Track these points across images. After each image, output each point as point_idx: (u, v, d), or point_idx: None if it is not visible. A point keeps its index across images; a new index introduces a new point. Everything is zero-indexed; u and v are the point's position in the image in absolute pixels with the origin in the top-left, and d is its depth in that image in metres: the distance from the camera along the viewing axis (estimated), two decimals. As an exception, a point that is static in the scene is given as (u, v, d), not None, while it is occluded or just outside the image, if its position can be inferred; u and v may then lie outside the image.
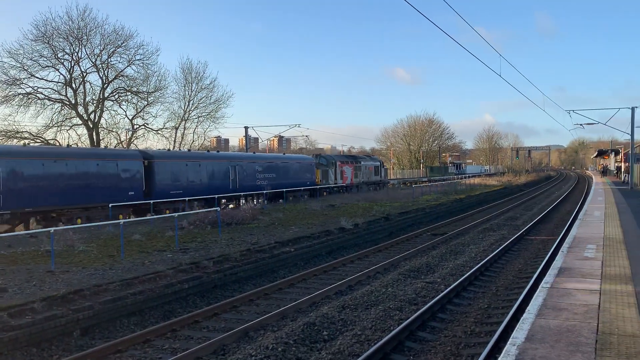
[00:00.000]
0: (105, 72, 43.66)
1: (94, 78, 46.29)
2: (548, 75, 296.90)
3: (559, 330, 6.91)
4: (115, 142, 45.62)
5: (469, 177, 77.14)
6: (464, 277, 14.22)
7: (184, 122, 51.57)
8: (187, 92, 51.62)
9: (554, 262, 11.91)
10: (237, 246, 17.61)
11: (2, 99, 39.05)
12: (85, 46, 41.97)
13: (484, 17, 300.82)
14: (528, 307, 8.14)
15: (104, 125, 45.12)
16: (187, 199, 28.78)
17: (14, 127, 39.32)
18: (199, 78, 52.15)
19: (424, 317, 10.88)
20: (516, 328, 7.13)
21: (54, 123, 41.66)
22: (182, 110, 51.42)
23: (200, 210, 22.79)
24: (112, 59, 43.84)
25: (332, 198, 39.03)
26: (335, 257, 19.04)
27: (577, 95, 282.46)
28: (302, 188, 40.30)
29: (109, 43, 43.13)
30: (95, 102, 43.86)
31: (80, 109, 42.71)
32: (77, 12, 42.12)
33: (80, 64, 42.29)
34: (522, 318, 7.58)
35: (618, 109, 52.94)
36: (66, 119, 42.68)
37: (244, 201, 33.51)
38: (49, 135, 41.49)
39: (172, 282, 13.06)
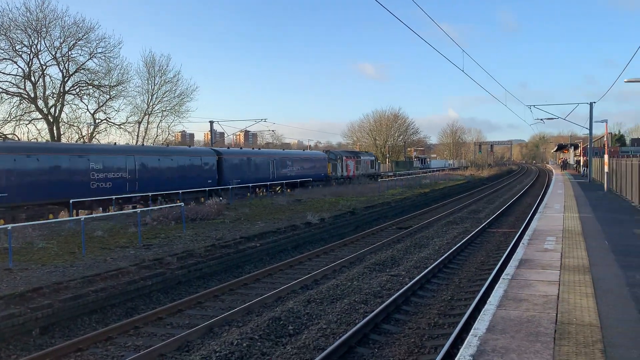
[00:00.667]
0: (66, 65, 42.56)
1: (54, 71, 45.35)
2: (511, 71, 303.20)
3: (520, 321, 7.05)
4: (77, 136, 44.59)
5: (433, 171, 78.10)
6: (427, 269, 14.40)
7: (147, 116, 50.72)
8: (150, 86, 50.74)
9: (515, 254, 12.16)
10: (202, 242, 17.44)
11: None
12: (44, 38, 40.78)
13: (449, 13, 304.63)
14: (489, 299, 8.29)
15: (65, 120, 44.06)
16: (250, 185, 36.97)
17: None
18: (163, 71, 51.36)
19: (388, 309, 10.98)
20: (478, 319, 7.25)
21: (12, 117, 40.43)
22: (145, 104, 50.56)
23: (164, 206, 22.47)
24: (72, 52, 42.74)
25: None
26: (301, 251, 19.04)
27: (538, 91, 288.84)
28: (318, 179, 48.58)
29: (69, 35, 42.04)
30: (55, 96, 42.65)
31: (40, 102, 41.54)
32: (36, 3, 41.01)
33: (40, 56, 41.10)
34: (483, 309, 7.72)
35: (577, 105, 54.19)
36: (25, 113, 41.40)
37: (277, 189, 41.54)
38: (7, 129, 40.34)
39: (134, 279, 12.85)
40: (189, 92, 53.28)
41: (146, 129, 50.86)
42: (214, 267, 15.38)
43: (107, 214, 20.65)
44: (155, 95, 51.10)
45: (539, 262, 10.96)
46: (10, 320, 9.81)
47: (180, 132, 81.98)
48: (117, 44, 48.14)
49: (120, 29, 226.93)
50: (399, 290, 12.40)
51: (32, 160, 22.79)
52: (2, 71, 39.74)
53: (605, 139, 43.55)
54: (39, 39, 40.53)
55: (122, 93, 47.13)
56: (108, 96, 45.83)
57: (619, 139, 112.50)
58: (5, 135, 39.44)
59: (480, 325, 6.89)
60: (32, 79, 41.10)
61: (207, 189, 32.78)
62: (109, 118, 47.12)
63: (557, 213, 20.45)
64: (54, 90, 42.80)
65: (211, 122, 52.64)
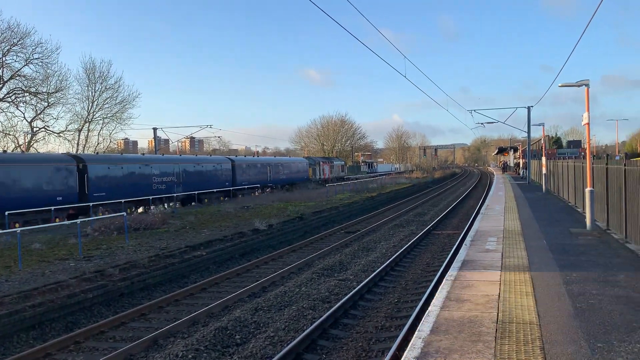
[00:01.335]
0: (0, 71, 40.90)
1: (-13, 78, 43.09)
2: (453, 77, 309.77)
3: (462, 321, 7.19)
4: (13, 145, 42.82)
5: (380, 175, 79.06)
6: (375, 273, 14.53)
7: (87, 123, 49.29)
8: (90, 93, 49.45)
9: (458, 255, 12.44)
10: (145, 252, 17.02)
11: None
12: (-24, 44, 39.11)
13: (390, 19, 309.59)
14: (433, 300, 8.43)
15: (0, 128, 42.29)
16: (253, 186, 45.42)
17: None
18: (103, 77, 50.12)
19: (336, 314, 11.00)
20: (422, 321, 7.36)
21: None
22: (85, 112, 49.19)
23: (106, 216, 21.82)
24: (7, 58, 41.21)
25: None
26: (249, 259, 18.85)
27: (479, 96, 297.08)
28: (302, 181, 55.98)
29: (3, 40, 40.54)
30: (-11, 103, 40.95)
31: (-28, 110, 39.76)
32: (-34, 8, 39.09)
33: (-29, 62, 39.39)
34: (427, 311, 7.84)
35: (515, 109, 56.04)
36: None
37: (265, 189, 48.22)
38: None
39: (75, 292, 12.41)
40: (131, 98, 52.26)
41: (87, 137, 49.47)
42: (158, 278, 15.02)
43: (45, 225, 19.83)
44: (95, 102, 49.86)
45: (480, 263, 11.23)
46: (-61, 341, 9.29)
47: (122, 139, 79.93)
48: (55, 50, 46.28)
49: (58, 34, 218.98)
50: (347, 294, 12.46)
51: (118, 168, 30.36)
52: None
53: (542, 142, 45.22)
54: (-30, 44, 38.84)
55: (61, 100, 45.88)
56: (46, 104, 44.49)
57: (556, 142, 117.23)
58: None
59: (425, 327, 6.99)
60: (-36, 85, 39.31)
61: (225, 189, 40.90)
62: (48, 126, 45.75)
63: (498, 214, 21.06)
64: (-14, 98, 41.04)
65: (155, 129, 51.57)
